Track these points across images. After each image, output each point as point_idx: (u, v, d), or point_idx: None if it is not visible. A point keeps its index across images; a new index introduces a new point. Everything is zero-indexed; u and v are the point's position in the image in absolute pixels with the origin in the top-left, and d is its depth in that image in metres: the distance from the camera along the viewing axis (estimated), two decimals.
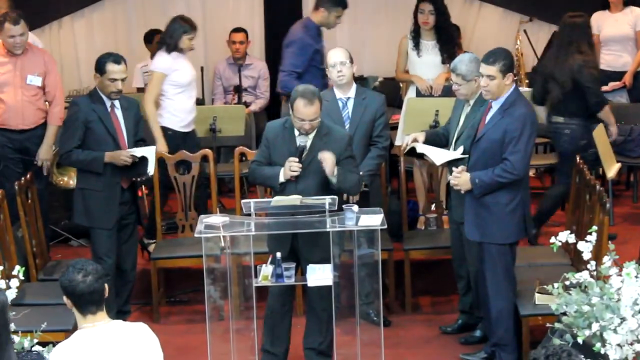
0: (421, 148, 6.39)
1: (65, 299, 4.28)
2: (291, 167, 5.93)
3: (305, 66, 7.98)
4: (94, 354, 4.15)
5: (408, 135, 7.84)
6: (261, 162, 6.12)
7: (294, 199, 5.83)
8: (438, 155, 6.36)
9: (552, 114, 7.82)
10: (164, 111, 7.86)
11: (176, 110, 7.85)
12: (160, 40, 8.02)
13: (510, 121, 5.86)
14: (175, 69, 7.80)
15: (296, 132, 6.01)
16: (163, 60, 7.83)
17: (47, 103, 7.61)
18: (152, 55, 9.56)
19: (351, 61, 6.78)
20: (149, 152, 6.56)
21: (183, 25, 7.82)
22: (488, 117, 5.98)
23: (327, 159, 5.85)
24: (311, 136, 5.99)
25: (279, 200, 5.86)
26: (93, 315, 4.26)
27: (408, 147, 6.49)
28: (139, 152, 6.54)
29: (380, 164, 6.94)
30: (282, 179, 5.98)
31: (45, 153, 7.52)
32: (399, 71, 8.36)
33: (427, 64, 8.12)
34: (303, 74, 7.92)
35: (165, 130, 7.79)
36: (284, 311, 6.11)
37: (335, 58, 6.76)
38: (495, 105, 5.96)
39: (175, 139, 7.82)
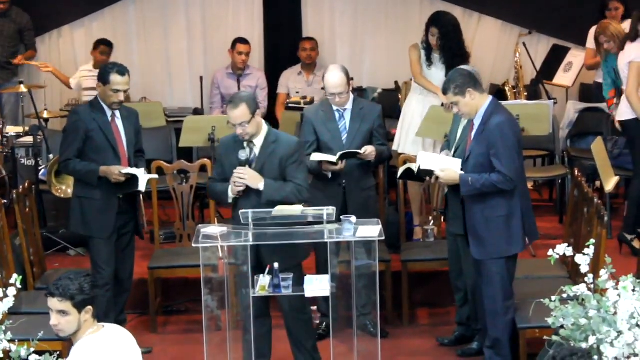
0: (421, 161, 6.30)
1: (84, 308, 4.52)
2: (235, 183, 5.89)
3: None
4: (116, 351, 4.50)
5: (419, 136, 7.74)
6: (215, 179, 6.10)
7: (296, 209, 5.83)
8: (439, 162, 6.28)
9: None
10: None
11: None
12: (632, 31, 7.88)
13: (490, 132, 5.89)
14: None
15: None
16: None
17: None
18: (95, 64, 9.48)
19: (349, 81, 6.72)
20: (139, 172, 6.44)
21: None
22: (472, 135, 6.01)
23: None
24: (259, 145, 5.97)
25: (280, 210, 5.86)
26: (96, 319, 4.59)
27: (402, 169, 6.46)
28: (132, 171, 6.44)
29: (382, 152, 6.83)
30: (230, 195, 5.96)
31: None
32: (418, 75, 7.98)
33: (434, 77, 8.05)
34: None
35: None
36: (261, 322, 6.05)
37: (334, 89, 6.65)
38: (477, 122, 5.99)
39: None
